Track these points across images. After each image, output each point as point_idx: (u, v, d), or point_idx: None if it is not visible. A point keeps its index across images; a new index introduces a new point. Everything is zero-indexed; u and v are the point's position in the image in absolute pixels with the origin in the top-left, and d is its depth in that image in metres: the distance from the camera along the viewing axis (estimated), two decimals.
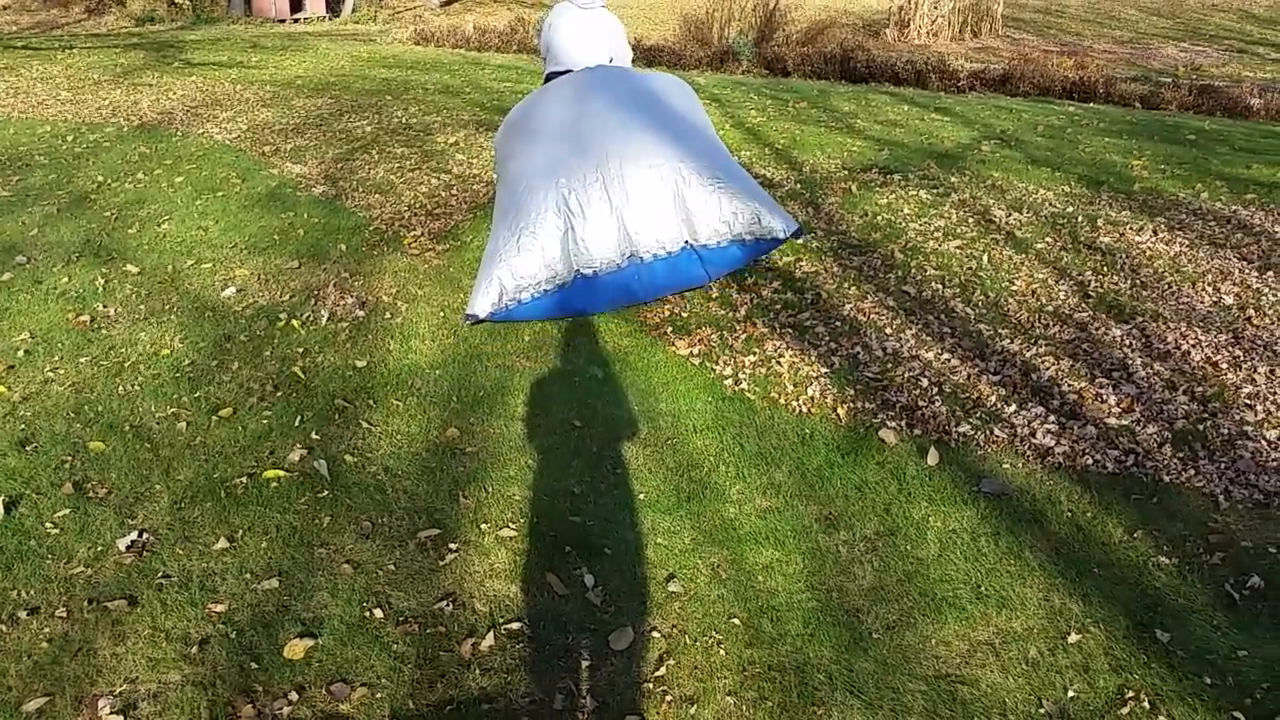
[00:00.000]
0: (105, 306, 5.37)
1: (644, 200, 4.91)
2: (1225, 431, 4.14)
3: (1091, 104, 12.58)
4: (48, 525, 3.55)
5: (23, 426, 4.20)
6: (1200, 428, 4.17)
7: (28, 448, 4.04)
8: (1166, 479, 3.88)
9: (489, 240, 5.18)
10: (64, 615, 3.12)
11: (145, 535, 3.51)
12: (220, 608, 3.17)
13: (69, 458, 3.97)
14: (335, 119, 9.47)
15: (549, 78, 6.11)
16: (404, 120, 9.39)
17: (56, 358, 4.82)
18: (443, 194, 7.21)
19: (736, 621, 3.20)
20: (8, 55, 14.51)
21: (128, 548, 3.44)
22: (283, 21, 21.27)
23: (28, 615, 3.11)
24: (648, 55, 15.74)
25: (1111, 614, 3.19)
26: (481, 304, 4.89)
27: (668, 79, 5.88)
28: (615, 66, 5.93)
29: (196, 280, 5.72)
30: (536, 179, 5.02)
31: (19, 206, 6.92)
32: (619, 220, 4.90)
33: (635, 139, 5.05)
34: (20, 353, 4.85)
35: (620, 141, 5.02)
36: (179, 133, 9.01)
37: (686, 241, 5.05)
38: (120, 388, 4.54)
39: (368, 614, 3.18)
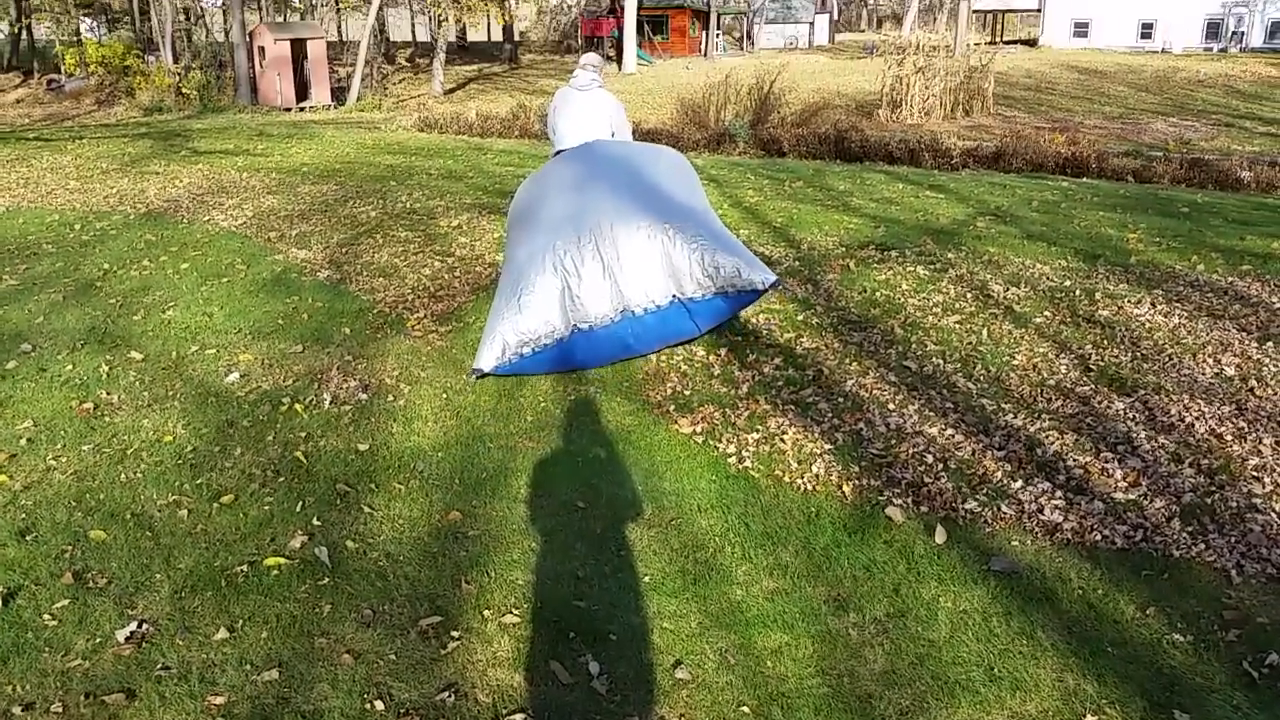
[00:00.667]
0: (109, 394, 5.38)
1: (634, 258, 5.20)
2: (1234, 504, 4.10)
3: (1084, 179, 12.76)
4: (45, 617, 3.50)
5: (23, 515, 4.17)
6: (1208, 501, 4.14)
7: (28, 537, 4.01)
8: (1177, 554, 3.83)
9: (494, 301, 5.46)
10: (60, 711, 3.06)
11: (145, 626, 3.46)
12: (219, 700, 3.12)
13: (69, 547, 3.94)
14: (340, 205, 9.61)
15: (557, 154, 6.53)
16: (408, 205, 9.53)
17: (59, 445, 4.81)
18: (445, 276, 7.28)
19: (746, 710, 3.13)
20: (20, 146, 14.80)
21: (127, 639, 3.39)
22: (289, 110, 21.72)
23: (22, 711, 3.06)
24: (646, 138, 16.04)
25: (1128, 694, 3.13)
26: (486, 359, 5.17)
27: (658, 148, 6.33)
28: (610, 140, 6.36)
29: (200, 366, 5.74)
30: (536, 247, 5.35)
31: (26, 295, 6.99)
32: (611, 278, 5.19)
33: (625, 203, 5.39)
34: (23, 441, 4.85)
35: (611, 206, 5.38)
36: (185, 220, 9.13)
37: (674, 295, 5.29)
38: (122, 475, 4.53)
39: (368, 706, 3.11)
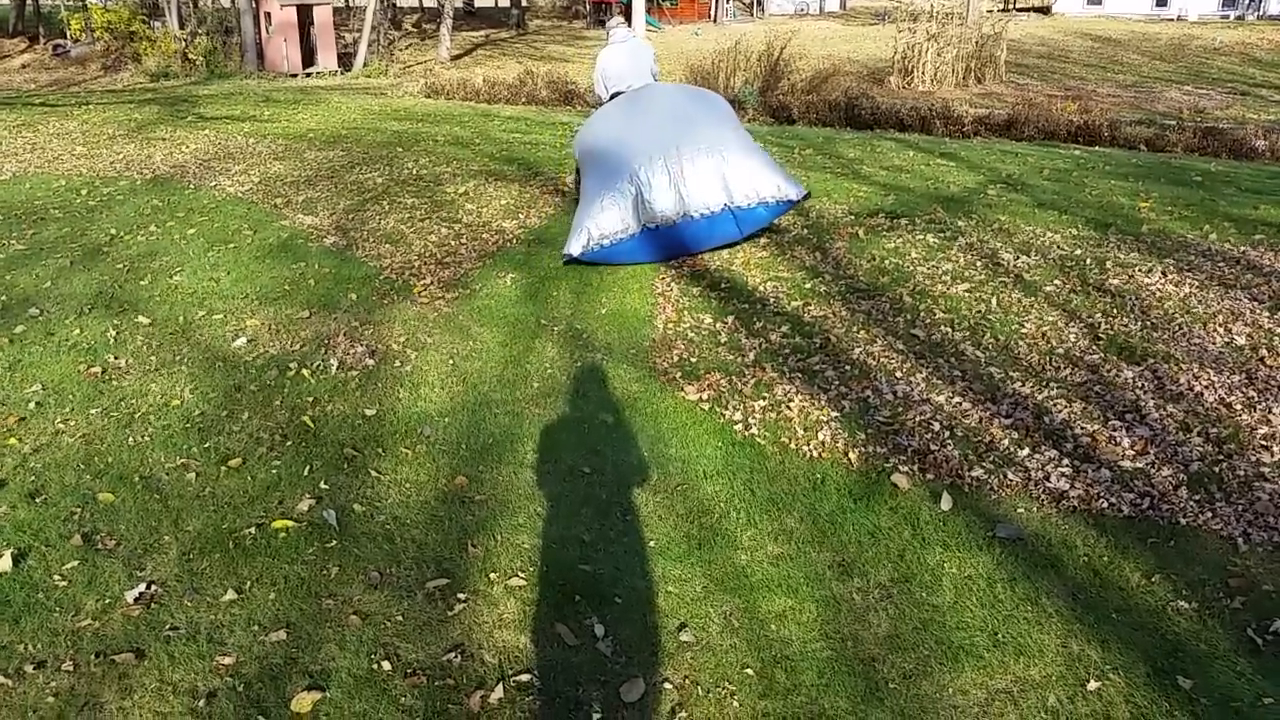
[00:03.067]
0: (116, 358, 5.39)
1: (695, 174, 6.47)
2: (1242, 473, 4.09)
3: (1097, 147, 12.65)
4: (56, 578, 3.53)
5: (33, 478, 4.20)
6: (1216, 470, 4.13)
7: (37, 499, 4.03)
8: (1183, 522, 3.83)
9: (580, 204, 6.79)
10: (71, 669, 3.09)
11: (153, 587, 3.49)
12: (228, 660, 3.14)
13: (78, 509, 3.97)
14: (347, 171, 9.58)
15: (613, 97, 7.71)
16: (414, 171, 9.49)
17: (67, 409, 4.83)
18: (452, 243, 7.26)
19: (750, 672, 3.15)
20: (26, 112, 14.76)
21: (136, 600, 3.41)
22: (295, 76, 21.61)
23: (34, 669, 3.09)
24: None
25: (1131, 660, 3.13)
26: (574, 246, 6.49)
27: (702, 90, 7.85)
28: (666, 85, 7.92)
29: (208, 331, 5.75)
30: (616, 165, 6.61)
31: (33, 259, 6.99)
32: (676, 189, 6.44)
33: (686, 131, 6.68)
34: (32, 404, 4.87)
35: (675, 132, 6.66)
36: (192, 185, 9.11)
37: (725, 204, 6.55)
38: (130, 439, 4.55)
39: (375, 666, 3.14)
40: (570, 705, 3.01)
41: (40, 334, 5.71)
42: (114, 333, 5.71)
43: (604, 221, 6.49)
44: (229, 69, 22.21)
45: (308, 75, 21.98)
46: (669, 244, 6.64)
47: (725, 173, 6.50)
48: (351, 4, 41.50)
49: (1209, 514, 3.86)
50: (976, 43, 21.43)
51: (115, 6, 23.75)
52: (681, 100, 7.32)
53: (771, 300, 6.08)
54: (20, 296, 6.28)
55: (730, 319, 5.82)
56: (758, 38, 20.55)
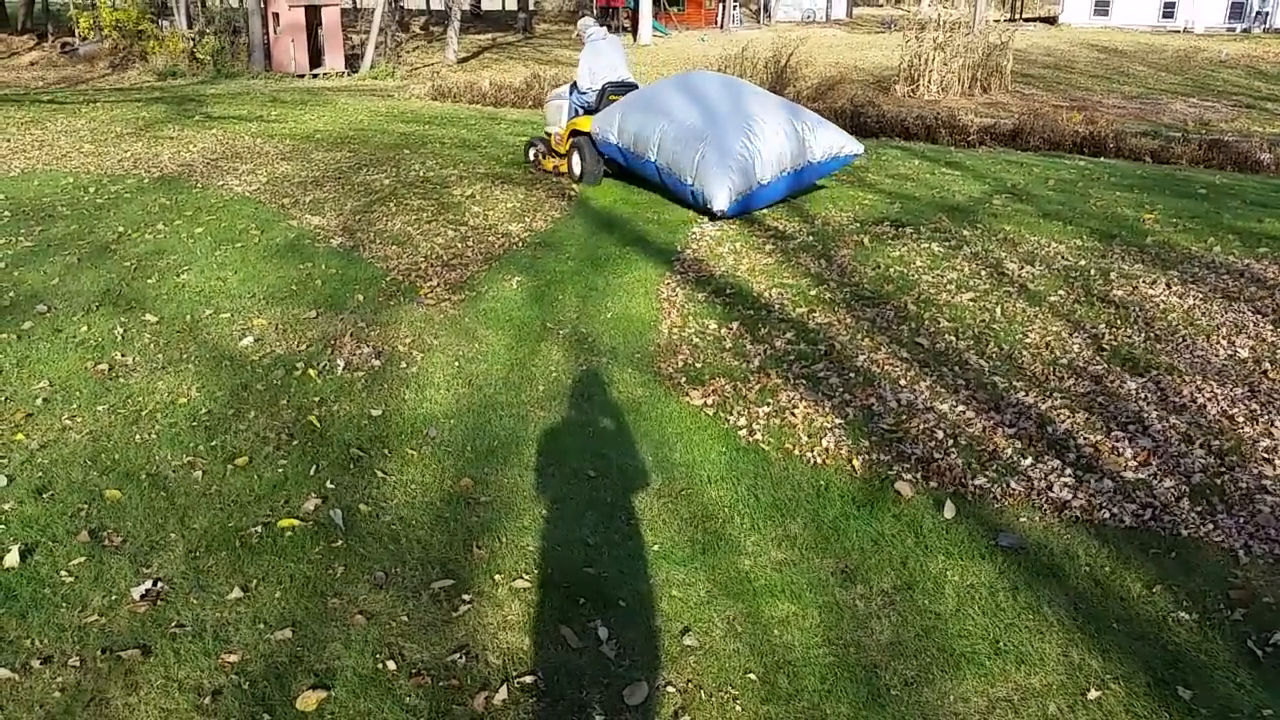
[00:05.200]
0: (124, 355, 5.42)
1: (782, 138, 7.96)
2: (1244, 485, 4.10)
3: (1102, 158, 12.67)
4: (62, 573, 3.55)
5: (40, 474, 4.22)
6: (1218, 481, 4.14)
7: (44, 495, 4.05)
8: (1185, 533, 3.84)
9: (701, 168, 7.79)
10: (77, 665, 3.11)
11: (160, 584, 3.51)
12: (233, 658, 3.16)
13: (85, 505, 3.99)
14: (354, 172, 9.61)
15: (604, 92, 9.11)
16: (421, 173, 9.52)
17: (75, 406, 4.86)
18: (459, 245, 7.29)
19: (753, 677, 3.17)
20: (34, 109, 14.82)
21: (142, 596, 3.43)
22: (302, 77, 21.66)
23: (41, 664, 3.11)
24: None
25: (1132, 670, 3.15)
26: (721, 202, 7.66)
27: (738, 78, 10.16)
28: (711, 73, 10.27)
29: (215, 330, 5.77)
30: (724, 133, 7.85)
31: (41, 256, 7.02)
32: (774, 152, 7.88)
33: (759, 106, 8.33)
34: (39, 400, 4.89)
35: (756, 107, 8.24)
36: (199, 184, 9.15)
37: (807, 160, 8.18)
38: (137, 436, 4.57)
39: (380, 666, 3.16)
40: (573, 708, 3.02)
41: (48, 330, 5.73)
42: (121, 330, 5.74)
43: (735, 183, 7.69)
44: (236, 69, 22.26)
45: (315, 76, 22.03)
46: (770, 196, 8.16)
47: (804, 135, 8.11)
48: (359, 5, 41.59)
49: (1210, 525, 3.87)
50: (983, 52, 21.47)
51: (124, 5, 23.82)
52: (740, 84, 9.15)
53: (776, 307, 6.10)
54: (28, 293, 6.31)
55: (735, 325, 5.84)
56: (764, 45, 20.60)
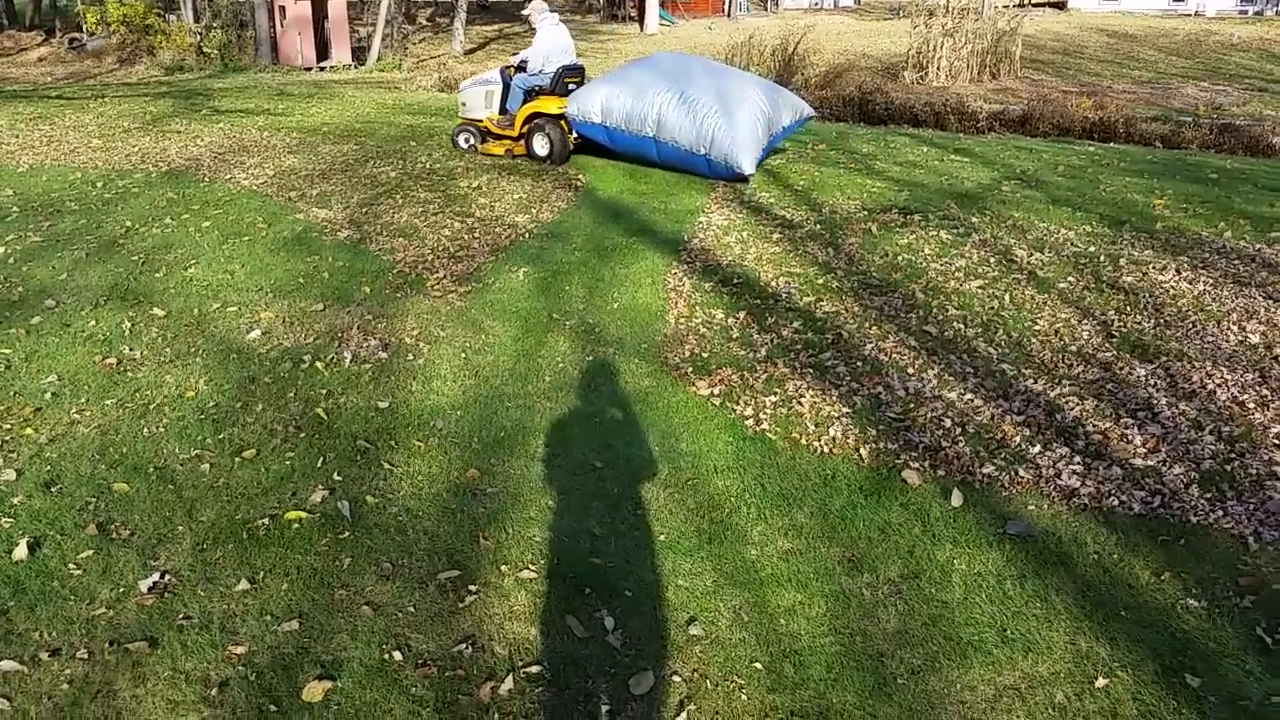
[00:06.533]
0: (132, 349, 5.43)
1: (767, 106, 8.88)
2: (1254, 472, 4.08)
3: (1112, 144, 12.58)
4: (71, 566, 3.57)
5: (49, 468, 4.24)
6: (1228, 468, 4.11)
7: (53, 489, 4.07)
8: (1194, 520, 3.82)
9: (719, 138, 8.48)
10: (85, 657, 3.12)
11: (167, 577, 3.52)
12: (240, 650, 3.17)
13: (93, 499, 4.00)
14: (360, 165, 9.61)
15: (559, 75, 9.45)
16: (428, 165, 9.51)
17: (83, 400, 4.87)
18: (465, 237, 7.28)
19: (759, 666, 3.16)
20: (43, 105, 14.85)
21: (149, 589, 3.45)
22: (309, 70, 21.66)
23: (49, 656, 3.12)
24: None
25: (1140, 658, 3.13)
26: (749, 164, 8.51)
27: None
28: (678, 54, 10.56)
29: (222, 323, 5.78)
30: (731, 105, 8.62)
31: (49, 251, 7.04)
32: (766, 118, 8.80)
33: (745, 80, 9.31)
34: (48, 395, 4.91)
35: (740, 80, 9.22)
36: (206, 179, 9.16)
37: (782, 125, 9.12)
38: (145, 429, 4.58)
39: (387, 657, 3.16)
40: (579, 697, 3.02)
41: (56, 325, 5.75)
42: (129, 324, 5.75)
43: (757, 149, 8.66)
44: (243, 62, 22.27)
45: (321, 69, 22.02)
46: (768, 150, 9.14)
47: (778, 101, 9.10)
48: None
49: (1220, 512, 3.85)
50: (991, 38, 21.31)
51: (131, 0, 23.83)
52: (702, 60, 10.34)
53: (784, 296, 6.08)
54: (37, 288, 6.33)
55: (742, 314, 5.83)
56: (771, 32, 20.50)
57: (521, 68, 9.74)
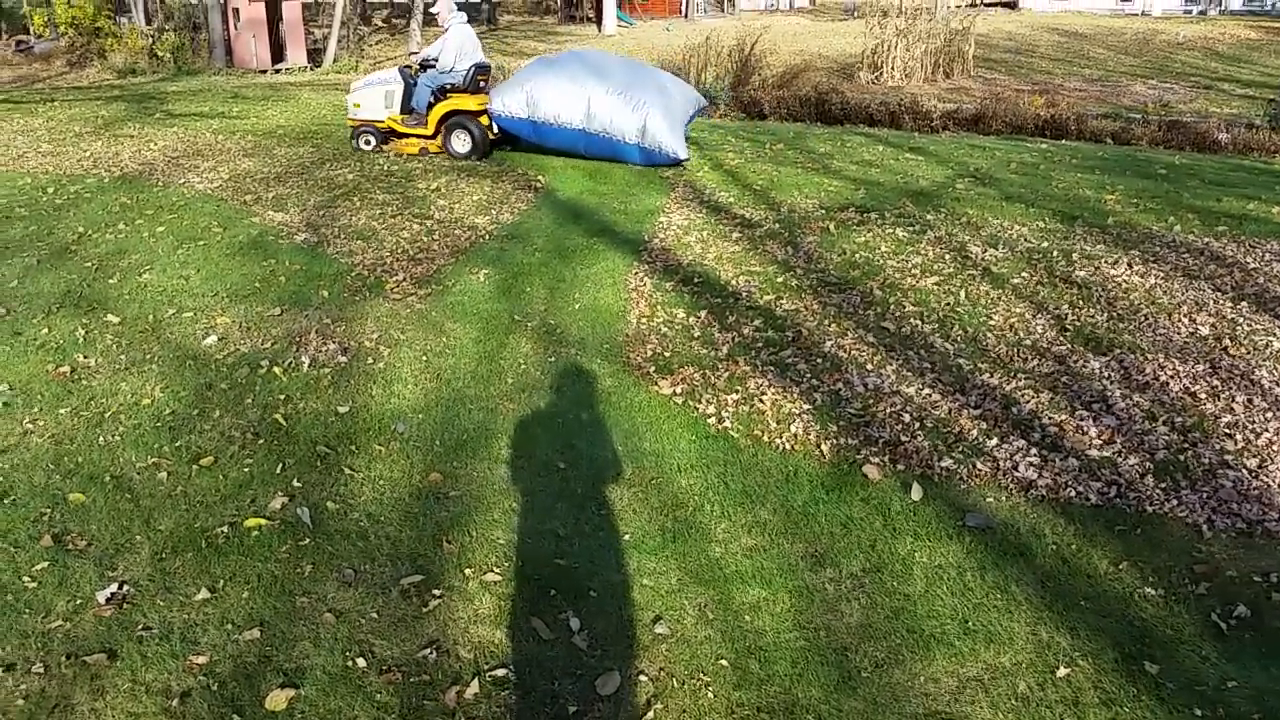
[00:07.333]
0: (86, 357, 5.34)
1: (681, 95, 9.80)
2: (1206, 461, 4.16)
3: (1064, 141, 12.78)
4: (25, 579, 3.50)
5: (1, 479, 4.15)
6: (1181, 458, 4.20)
7: (5, 500, 3.99)
8: (1150, 510, 3.89)
9: (652, 127, 9.06)
10: (41, 671, 3.07)
11: (125, 587, 3.47)
12: (201, 659, 3.13)
13: (48, 510, 3.93)
14: (317, 167, 9.51)
15: (471, 73, 9.65)
16: (385, 168, 9.44)
17: (36, 409, 4.78)
18: (424, 239, 7.24)
19: (724, 663, 3.18)
20: None
21: (107, 600, 3.39)
22: (264, 72, 21.41)
23: (3, 672, 3.06)
24: None
25: (1100, 647, 3.19)
26: (685, 152, 9.31)
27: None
28: (590, 50, 11.44)
29: (178, 329, 5.70)
30: (659, 96, 9.30)
31: None
32: (681, 105, 9.58)
33: (654, 70, 10.41)
34: None
35: (651, 72, 10.13)
36: (160, 183, 9.02)
37: (689, 115, 9.77)
38: (100, 438, 4.50)
39: (350, 663, 3.14)
40: (546, 699, 3.02)
41: (7, 333, 5.64)
42: (83, 332, 5.65)
43: (681, 131, 9.32)
44: (197, 65, 21.95)
45: (277, 71, 21.77)
46: (685, 134, 9.73)
47: (687, 95, 9.93)
48: (321, 0, 41.10)
49: (1175, 501, 3.93)
50: (945, 38, 21.55)
51: (80, 1, 23.41)
52: (613, 55, 10.76)
53: (744, 294, 6.11)
54: None
55: (703, 313, 5.85)
56: (729, 34, 20.57)
57: (425, 66, 9.90)
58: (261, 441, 4.49)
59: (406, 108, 10.04)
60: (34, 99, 16.01)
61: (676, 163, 9.28)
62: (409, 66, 10.31)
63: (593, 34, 35.45)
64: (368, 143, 10.22)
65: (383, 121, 10.10)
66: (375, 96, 10.07)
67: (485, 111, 9.68)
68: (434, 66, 9.80)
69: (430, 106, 9.87)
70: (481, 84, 9.92)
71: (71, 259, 6.90)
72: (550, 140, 9.55)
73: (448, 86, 9.80)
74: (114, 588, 3.45)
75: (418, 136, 10.03)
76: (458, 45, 9.70)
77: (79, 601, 3.39)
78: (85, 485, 4.12)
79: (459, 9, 10.08)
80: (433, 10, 10.66)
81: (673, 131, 9.15)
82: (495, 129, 9.79)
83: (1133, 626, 3.28)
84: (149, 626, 3.28)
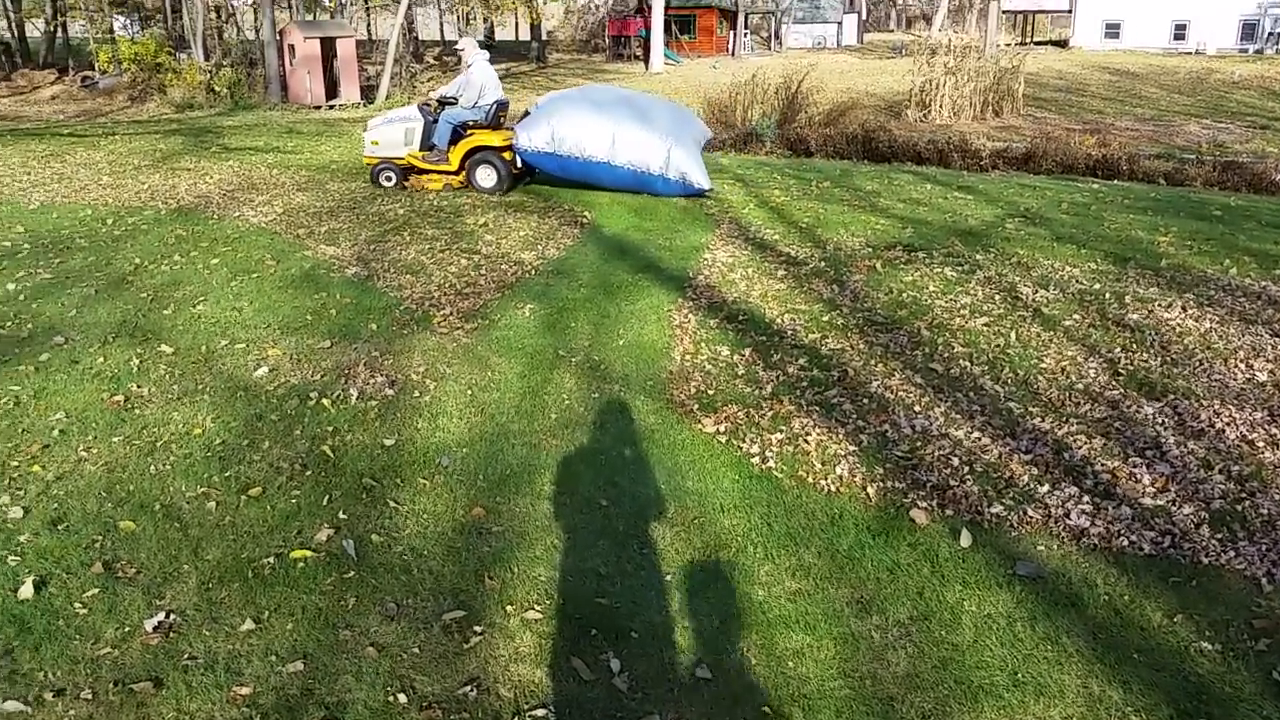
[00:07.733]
0: (139, 386, 5.45)
1: (696, 128, 10.55)
2: (1265, 512, 4.05)
3: (1115, 181, 12.64)
4: (76, 605, 3.55)
5: (55, 505, 4.23)
6: (1239, 508, 4.09)
7: (59, 527, 4.07)
8: (1205, 561, 3.79)
9: (675, 159, 9.52)
10: (89, 697, 3.10)
11: (172, 616, 3.51)
12: (245, 691, 3.15)
13: (99, 537, 3.99)
14: (368, 202, 9.68)
15: (494, 109, 10.01)
16: (434, 203, 9.58)
17: (90, 437, 4.88)
18: (472, 274, 7.32)
19: (767, 710, 3.13)
20: (54, 142, 15.00)
21: (155, 628, 3.43)
22: (318, 108, 21.87)
23: (53, 697, 3.10)
24: None
25: (1153, 702, 3.10)
26: (708, 182, 9.70)
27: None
28: (606, 86, 13.03)
29: (230, 360, 5.80)
30: (680, 129, 9.89)
31: (59, 288, 7.08)
32: (695, 138, 10.17)
33: (672, 105, 11.28)
34: (55, 432, 4.92)
35: (671, 106, 11.20)
36: (215, 216, 9.23)
37: (701, 144, 10.30)
38: (152, 467, 4.58)
39: (391, 699, 3.14)
40: None
41: (65, 362, 5.77)
42: (137, 361, 5.77)
43: (700, 167, 9.67)
44: (253, 100, 22.51)
45: (330, 107, 22.24)
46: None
47: (694, 130, 10.35)
48: (374, 37, 42.04)
49: (1232, 553, 3.82)
50: (994, 76, 21.50)
51: (143, 39, 24.15)
52: (629, 92, 11.21)
53: (789, 332, 6.09)
54: (46, 325, 6.36)
55: (748, 351, 5.83)
56: (775, 71, 20.69)
57: (446, 103, 10.09)
58: (309, 473, 4.53)
59: (427, 144, 10.18)
60: (97, 133, 16.50)
61: (700, 193, 9.62)
62: (428, 104, 10.54)
63: (640, 72, 35.83)
64: (388, 179, 10.38)
65: (402, 158, 10.25)
66: (395, 133, 10.26)
67: (509, 147, 9.89)
68: (452, 104, 10.02)
69: (451, 143, 10.04)
70: (501, 120, 10.22)
71: (128, 289, 7.06)
72: (574, 173, 9.80)
73: (470, 123, 10.02)
74: (161, 616, 3.49)
75: (440, 172, 10.18)
76: (481, 82, 9.98)
77: (127, 629, 3.43)
78: (136, 513, 4.18)
79: (482, 48, 10.35)
80: (458, 48, 10.99)
81: (695, 162, 9.50)
82: (519, 163, 10.00)
83: (1188, 682, 3.19)
84: (194, 656, 3.30)
